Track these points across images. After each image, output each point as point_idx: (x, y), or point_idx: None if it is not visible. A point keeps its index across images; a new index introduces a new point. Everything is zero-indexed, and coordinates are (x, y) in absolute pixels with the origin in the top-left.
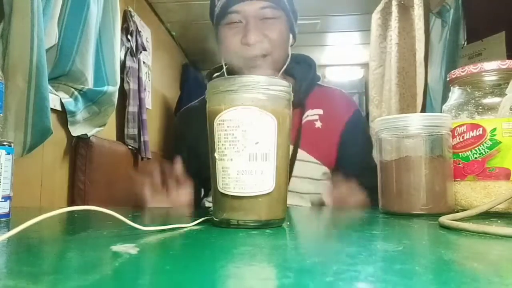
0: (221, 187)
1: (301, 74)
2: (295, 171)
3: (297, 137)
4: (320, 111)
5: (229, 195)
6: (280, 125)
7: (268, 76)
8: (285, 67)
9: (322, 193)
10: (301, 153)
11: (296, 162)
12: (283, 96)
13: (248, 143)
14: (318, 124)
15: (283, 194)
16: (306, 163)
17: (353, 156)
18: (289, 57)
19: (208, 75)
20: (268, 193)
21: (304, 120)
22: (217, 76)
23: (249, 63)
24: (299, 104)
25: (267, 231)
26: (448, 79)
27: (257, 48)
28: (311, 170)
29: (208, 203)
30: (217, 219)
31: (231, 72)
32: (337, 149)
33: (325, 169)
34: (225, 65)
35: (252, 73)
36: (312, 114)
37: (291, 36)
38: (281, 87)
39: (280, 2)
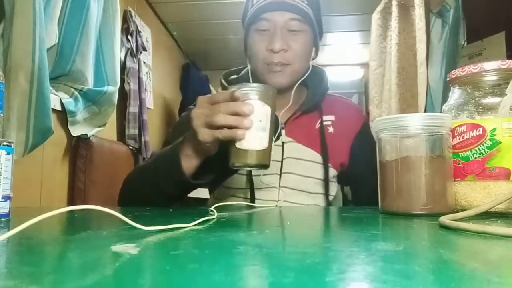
0: (238, 145)
1: (313, 84)
2: (311, 173)
3: (321, 141)
4: (333, 117)
5: (243, 149)
6: (272, 113)
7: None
8: (303, 77)
9: (331, 194)
10: (316, 156)
11: (312, 164)
12: (270, 95)
13: (256, 120)
14: (331, 129)
15: (269, 150)
16: (320, 165)
17: (364, 163)
18: (310, 69)
19: (225, 76)
20: (265, 149)
21: (318, 125)
22: (235, 78)
23: (271, 68)
24: (316, 108)
25: (267, 231)
26: (448, 79)
27: (280, 56)
28: (324, 173)
29: (215, 201)
30: (232, 163)
31: (253, 74)
32: (348, 157)
33: (334, 171)
34: (249, 65)
35: (272, 78)
36: (326, 120)
37: (314, 49)
38: (270, 90)
39: (307, 17)
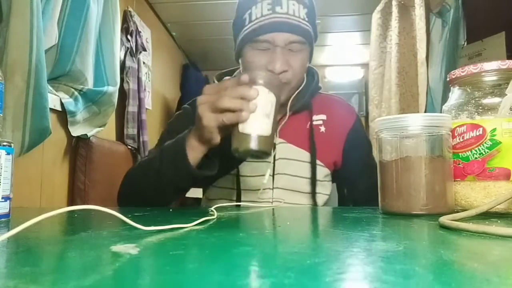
0: (241, 129)
1: (306, 84)
2: (302, 173)
3: (310, 140)
4: (324, 117)
5: (246, 133)
6: (276, 102)
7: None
8: (300, 88)
9: (323, 193)
10: (307, 156)
11: (303, 163)
12: (276, 84)
13: (260, 106)
14: (323, 128)
15: (271, 138)
16: (309, 164)
17: (357, 161)
18: (305, 80)
19: (218, 77)
20: (268, 135)
21: (309, 125)
22: (228, 78)
23: None
24: (306, 107)
25: (266, 231)
26: (448, 79)
27: (281, 76)
28: (316, 172)
29: (207, 201)
30: (234, 147)
31: None
32: (341, 155)
33: (327, 171)
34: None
35: None
36: (317, 119)
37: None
38: (275, 79)
39: (308, 35)
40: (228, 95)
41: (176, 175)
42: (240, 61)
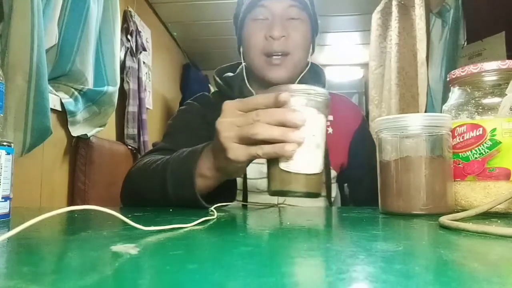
0: (283, 167)
1: (312, 82)
2: None
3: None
4: (331, 118)
5: (291, 172)
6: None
7: (311, 86)
8: (303, 74)
9: (332, 196)
10: None
11: None
12: (327, 102)
13: (308, 135)
14: (330, 130)
15: (322, 174)
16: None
17: (362, 162)
18: (309, 65)
19: (218, 73)
20: (318, 173)
21: None
22: (230, 76)
23: (271, 61)
24: None
25: (266, 231)
26: (448, 79)
27: (281, 44)
28: (327, 176)
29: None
30: (274, 190)
31: (249, 70)
32: (347, 156)
33: (334, 173)
34: (244, 62)
35: (272, 72)
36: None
37: (311, 45)
38: (326, 95)
39: (306, 6)
40: (262, 120)
41: (181, 200)
42: (241, 49)
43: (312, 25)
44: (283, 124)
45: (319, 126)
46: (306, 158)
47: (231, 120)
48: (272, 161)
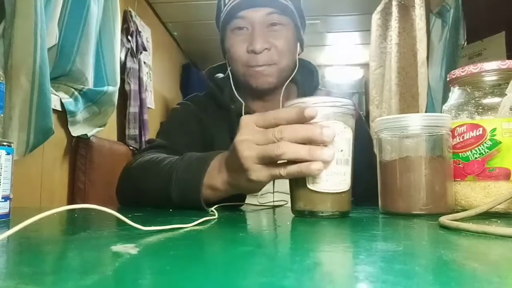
0: (310, 186)
1: (303, 80)
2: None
3: None
4: None
5: (319, 191)
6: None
7: (326, 95)
8: (293, 75)
9: None
10: None
11: None
12: (353, 113)
13: (336, 151)
14: None
15: (350, 192)
16: None
17: (357, 158)
18: (297, 66)
19: (209, 73)
20: (347, 190)
21: None
22: (221, 78)
23: (256, 71)
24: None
25: (266, 231)
26: (448, 79)
27: (264, 56)
28: None
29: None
30: (300, 210)
31: (236, 74)
32: None
33: None
34: (229, 67)
35: (258, 82)
36: None
37: (298, 45)
38: (353, 106)
39: (287, 9)
40: (286, 138)
41: (185, 207)
42: (226, 56)
43: (296, 23)
44: (309, 142)
45: (347, 140)
46: (335, 176)
47: (251, 138)
48: (296, 179)
